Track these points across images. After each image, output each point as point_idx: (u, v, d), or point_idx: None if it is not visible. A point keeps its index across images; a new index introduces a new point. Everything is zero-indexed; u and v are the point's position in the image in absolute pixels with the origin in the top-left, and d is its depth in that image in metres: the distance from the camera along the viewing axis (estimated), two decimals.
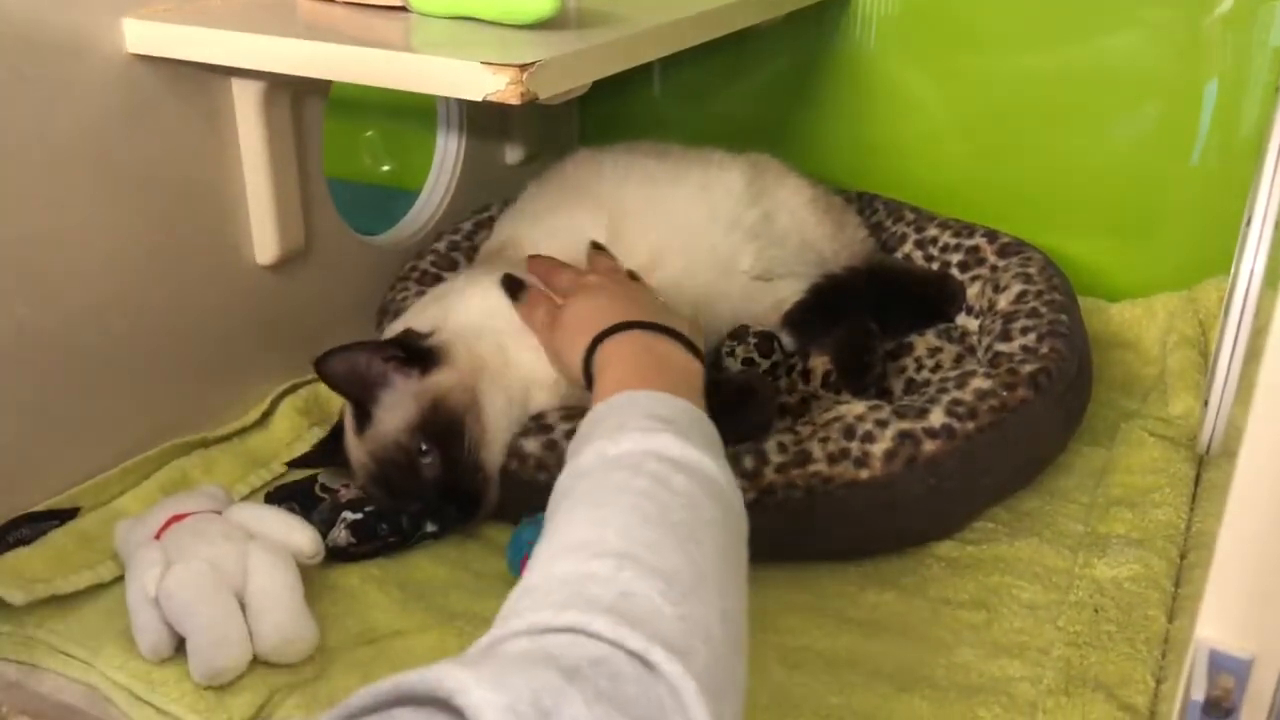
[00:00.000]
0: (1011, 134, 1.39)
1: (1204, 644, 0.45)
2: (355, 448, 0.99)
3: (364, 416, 0.98)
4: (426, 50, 0.88)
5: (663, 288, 1.11)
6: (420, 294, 1.15)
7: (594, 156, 1.21)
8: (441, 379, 0.97)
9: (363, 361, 0.96)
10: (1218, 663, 0.44)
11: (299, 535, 0.90)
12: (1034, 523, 1.02)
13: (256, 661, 0.84)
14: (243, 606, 0.85)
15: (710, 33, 1.10)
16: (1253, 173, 1.01)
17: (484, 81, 0.83)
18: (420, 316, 1.04)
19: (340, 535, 0.96)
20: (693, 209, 1.17)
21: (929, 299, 1.21)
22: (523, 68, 0.83)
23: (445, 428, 0.96)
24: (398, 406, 0.96)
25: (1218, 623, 0.45)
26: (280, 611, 0.85)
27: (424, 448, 0.95)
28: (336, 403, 1.17)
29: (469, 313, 1.02)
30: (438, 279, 1.18)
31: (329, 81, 1.15)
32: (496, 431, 0.98)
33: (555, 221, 1.14)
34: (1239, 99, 1.27)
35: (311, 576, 0.91)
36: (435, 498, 0.96)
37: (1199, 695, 0.43)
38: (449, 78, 0.85)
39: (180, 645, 0.84)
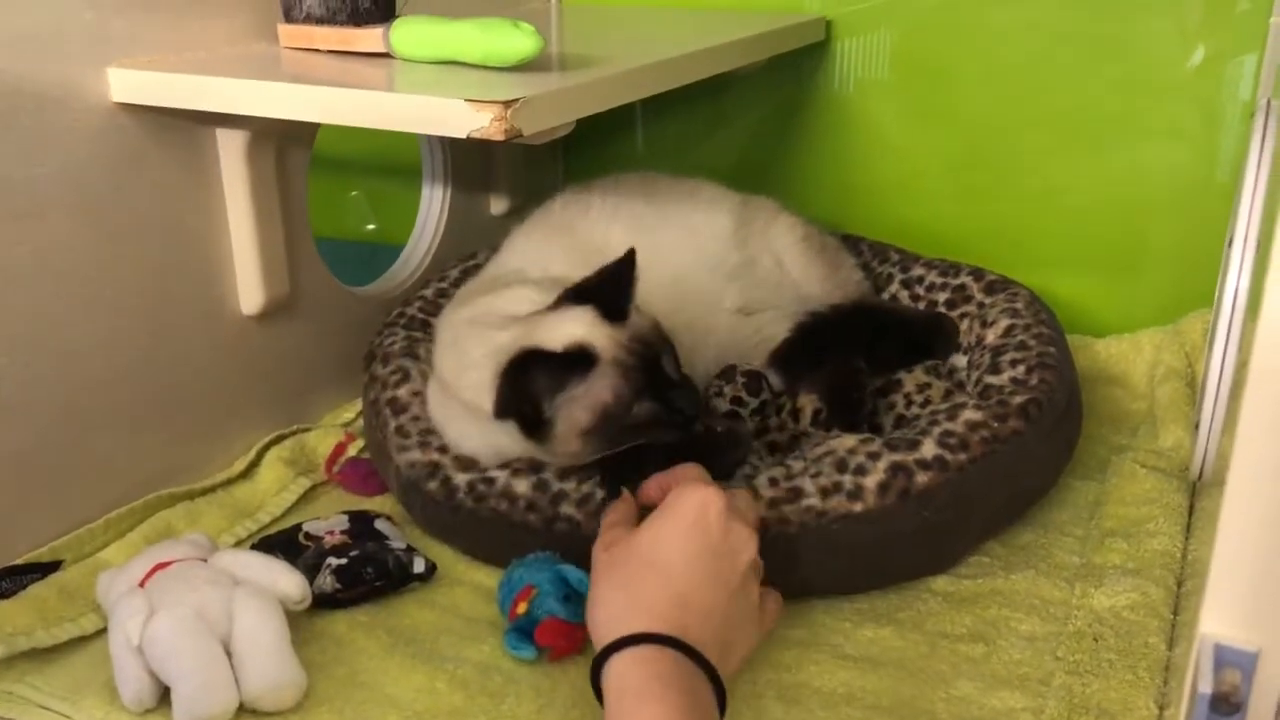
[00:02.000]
0: (993, 174, 1.40)
1: (1209, 639, 0.44)
2: (608, 336, 0.95)
3: (615, 312, 0.96)
4: (411, 91, 0.89)
5: None
6: (408, 339, 1.15)
7: (581, 196, 1.21)
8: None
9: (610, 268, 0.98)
10: (1224, 657, 0.44)
11: (285, 580, 0.88)
12: (1029, 556, 1.01)
13: (243, 709, 0.82)
14: (228, 653, 0.83)
15: (690, 75, 1.12)
16: (1231, 209, 1.02)
17: (468, 118, 0.84)
18: None
19: (326, 581, 0.94)
20: (679, 253, 1.17)
21: (923, 339, 1.21)
22: (507, 104, 0.83)
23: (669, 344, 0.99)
24: (642, 313, 0.99)
25: (1222, 617, 0.45)
26: (266, 657, 0.83)
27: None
28: (323, 453, 1.17)
29: None
30: (425, 325, 1.17)
31: (313, 132, 1.16)
32: None
33: (543, 259, 1.14)
34: (1216, 138, 1.29)
35: (298, 624, 0.89)
36: (676, 382, 0.96)
37: (1206, 689, 0.42)
38: (434, 116, 0.86)
39: (164, 696, 0.82)
